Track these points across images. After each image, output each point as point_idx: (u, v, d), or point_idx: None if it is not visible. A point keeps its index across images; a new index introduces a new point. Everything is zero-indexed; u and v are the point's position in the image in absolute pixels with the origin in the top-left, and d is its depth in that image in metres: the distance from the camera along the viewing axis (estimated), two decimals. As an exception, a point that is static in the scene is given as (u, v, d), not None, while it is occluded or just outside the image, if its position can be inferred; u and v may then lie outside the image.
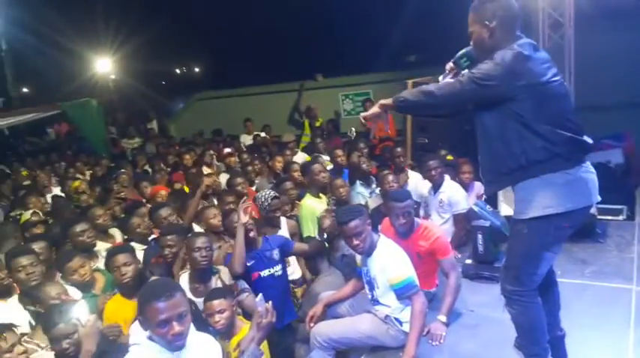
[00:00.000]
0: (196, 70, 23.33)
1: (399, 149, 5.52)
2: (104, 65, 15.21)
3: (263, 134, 8.63)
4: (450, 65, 2.61)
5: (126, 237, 4.19)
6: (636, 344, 2.90)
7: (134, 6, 11.30)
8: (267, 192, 4.01)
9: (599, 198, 2.39)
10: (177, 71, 23.28)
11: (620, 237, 4.46)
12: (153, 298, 1.84)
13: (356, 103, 8.81)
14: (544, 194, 2.27)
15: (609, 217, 4.93)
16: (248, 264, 3.32)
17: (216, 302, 2.68)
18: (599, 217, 4.75)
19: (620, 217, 4.96)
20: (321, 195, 4.67)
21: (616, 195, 5.32)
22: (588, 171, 2.33)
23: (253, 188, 5.67)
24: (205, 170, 6.39)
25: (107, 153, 8.58)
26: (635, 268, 3.82)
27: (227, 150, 6.90)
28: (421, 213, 4.84)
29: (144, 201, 5.22)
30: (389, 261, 2.80)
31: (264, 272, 3.44)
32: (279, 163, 6.01)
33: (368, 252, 2.88)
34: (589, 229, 4.39)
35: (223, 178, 5.89)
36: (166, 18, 11.27)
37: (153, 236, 4.11)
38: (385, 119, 2.73)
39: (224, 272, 3.22)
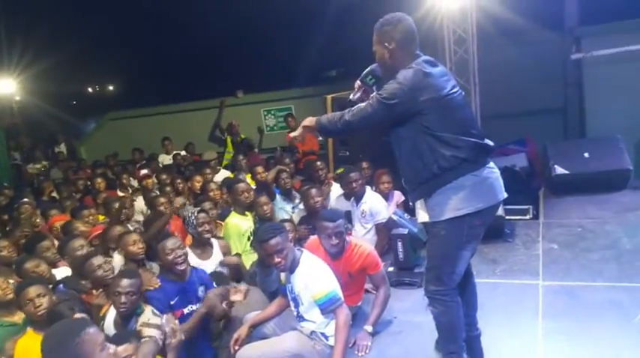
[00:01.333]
0: (110, 88, 22.33)
1: (319, 163, 5.61)
2: (6, 86, 14.13)
3: (183, 153, 8.40)
4: (357, 83, 2.74)
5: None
6: (545, 335, 3.12)
7: (43, 23, 10.59)
8: (192, 209, 3.93)
9: (505, 195, 2.59)
10: (90, 90, 22.16)
11: (526, 235, 4.80)
12: None
13: (278, 119, 8.84)
14: (456, 197, 2.44)
15: (517, 217, 5.30)
16: (172, 303, 3.11)
17: (120, 348, 2.40)
18: (507, 217, 5.09)
19: (527, 216, 5.34)
20: (247, 212, 4.62)
21: (522, 196, 5.76)
22: (492, 171, 2.53)
23: (187, 202, 5.52)
24: (120, 194, 6.11)
25: (9, 182, 7.93)
26: (541, 264, 4.12)
27: (144, 171, 6.61)
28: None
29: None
30: (311, 277, 2.82)
31: (188, 309, 3.20)
32: (197, 183, 5.88)
33: (291, 269, 2.88)
34: (498, 230, 4.69)
35: (141, 201, 5.65)
36: (78, 36, 10.69)
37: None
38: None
39: (148, 311, 2.91)
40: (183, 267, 3.18)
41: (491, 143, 2.55)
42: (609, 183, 5.52)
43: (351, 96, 2.76)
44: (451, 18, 5.57)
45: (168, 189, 5.99)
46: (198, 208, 3.98)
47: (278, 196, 5.21)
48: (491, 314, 3.20)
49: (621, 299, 3.37)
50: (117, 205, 4.74)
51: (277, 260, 2.81)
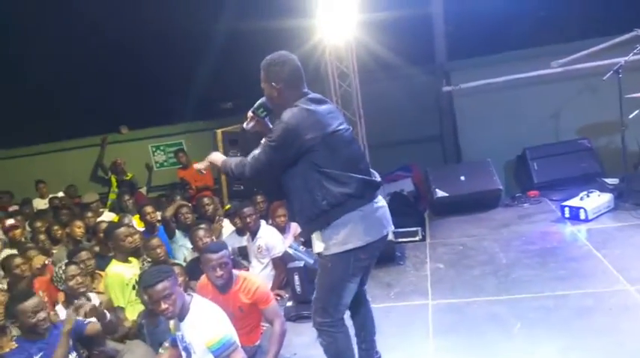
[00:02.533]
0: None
1: (206, 199, 5.47)
2: None
3: (60, 194, 7.70)
4: (250, 114, 2.78)
5: None
6: (436, 353, 3.27)
7: None
8: (63, 263, 3.60)
9: (392, 228, 2.73)
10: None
11: (415, 257, 5.05)
12: None
13: (168, 154, 8.52)
14: (343, 232, 2.51)
15: (408, 239, 5.57)
16: None
17: None
18: (399, 240, 5.35)
19: (417, 238, 5.64)
20: (130, 259, 4.30)
21: (411, 219, 6.08)
22: (379, 206, 2.64)
23: (49, 260, 4.99)
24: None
25: None
26: (429, 284, 4.35)
27: (9, 221, 5.91)
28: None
29: None
30: (203, 322, 2.68)
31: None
32: (78, 228, 5.39)
33: (180, 316, 2.71)
34: (390, 254, 4.88)
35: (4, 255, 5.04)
36: None
37: None
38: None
39: None
40: (44, 328, 2.90)
41: (378, 178, 2.69)
42: (484, 203, 6.04)
43: (244, 125, 2.82)
44: (334, 54, 5.82)
45: (42, 237, 5.44)
46: (65, 261, 3.63)
47: (178, 233, 4.98)
48: (388, 337, 3.29)
49: (501, 312, 3.65)
50: None
51: (164, 306, 2.63)
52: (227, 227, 5.21)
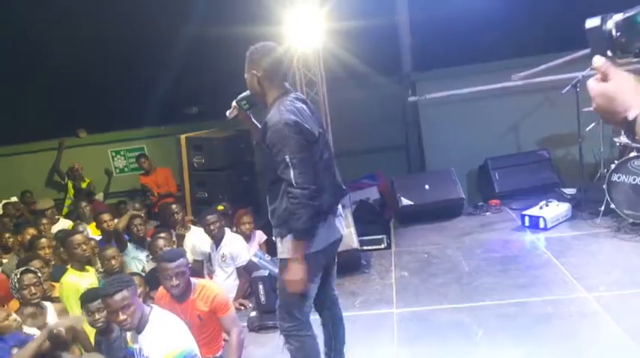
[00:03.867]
0: None
1: (174, 206, 5.32)
2: None
3: (14, 199, 7.34)
4: (233, 103, 2.73)
5: None
6: (400, 362, 3.26)
7: None
8: (17, 271, 3.42)
9: (344, 232, 2.74)
10: None
11: (380, 265, 5.05)
12: None
13: (129, 159, 8.25)
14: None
15: (373, 247, 5.57)
16: None
17: None
18: (364, 248, 5.35)
19: (382, 246, 5.64)
20: (87, 267, 4.12)
21: (376, 227, 6.10)
22: (337, 213, 2.66)
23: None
24: None
25: None
26: (394, 292, 4.34)
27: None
28: (205, 270, 4.71)
29: None
30: (163, 335, 2.57)
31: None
32: (29, 235, 5.13)
33: (139, 328, 2.59)
34: (355, 262, 4.86)
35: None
36: None
37: None
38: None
39: None
40: None
41: (342, 185, 2.70)
42: (447, 211, 6.12)
43: (227, 113, 2.75)
44: (302, 61, 5.80)
45: (-8, 245, 5.16)
46: (22, 268, 3.45)
47: (130, 245, 4.79)
48: (353, 346, 3.25)
49: (464, 319, 3.67)
50: None
51: (123, 317, 2.51)
52: (194, 235, 5.04)
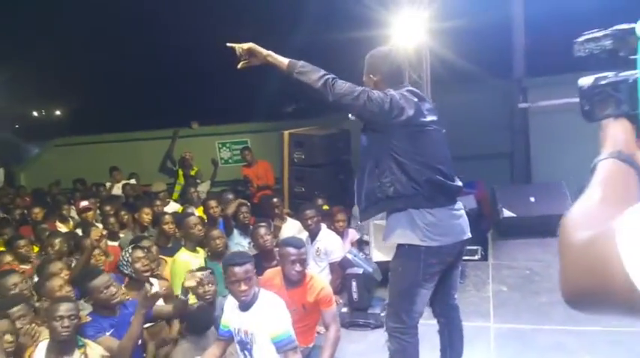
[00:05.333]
0: (57, 113, 21.42)
1: (276, 199, 5.53)
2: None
3: (133, 181, 8.06)
4: None
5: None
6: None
7: None
8: (129, 248, 3.74)
9: (469, 235, 2.64)
10: (35, 114, 21.16)
11: (476, 276, 4.86)
12: None
13: (233, 151, 8.73)
14: (407, 227, 2.49)
15: (466, 257, 5.38)
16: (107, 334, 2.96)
17: None
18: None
19: (476, 257, 5.43)
20: (198, 248, 4.42)
21: (471, 237, 5.88)
22: (456, 213, 2.57)
23: (116, 243, 5.22)
24: (59, 226, 5.74)
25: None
26: (492, 306, 4.16)
27: (84, 203, 6.23)
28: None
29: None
30: (271, 313, 2.69)
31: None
32: (146, 215, 5.54)
33: (247, 305, 2.74)
34: (451, 271, 4.72)
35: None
36: (27, 53, 10.18)
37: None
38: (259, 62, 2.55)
39: (91, 348, 2.78)
40: (115, 304, 3.04)
41: (459, 183, 2.62)
42: (554, 227, 5.69)
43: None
44: (408, 61, 5.74)
45: (112, 220, 5.68)
46: (133, 245, 3.78)
47: (235, 231, 5.05)
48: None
49: (569, 343, 3.42)
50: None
51: (244, 288, 2.65)
52: (289, 227, 5.23)
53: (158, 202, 6.30)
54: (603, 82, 0.86)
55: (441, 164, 2.53)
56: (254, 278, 2.71)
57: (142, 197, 7.27)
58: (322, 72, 2.42)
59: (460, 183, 2.64)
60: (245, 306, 2.72)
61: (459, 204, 2.62)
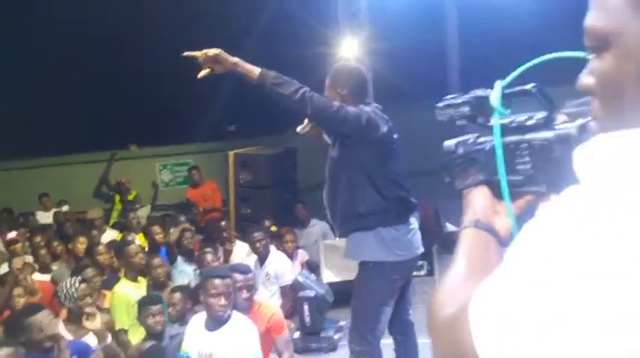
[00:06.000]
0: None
1: (224, 223, 5.40)
2: None
3: (65, 208, 7.58)
4: (306, 120, 2.74)
5: None
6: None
7: None
8: (72, 279, 3.49)
9: (422, 249, 2.72)
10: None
11: (424, 293, 4.91)
12: None
13: (175, 174, 8.46)
14: (376, 244, 2.51)
15: (413, 273, 5.45)
16: None
17: None
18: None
19: (422, 272, 5.52)
20: (139, 278, 4.19)
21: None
22: (412, 229, 2.63)
23: (47, 277, 4.87)
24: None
25: None
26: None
27: (11, 235, 5.81)
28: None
29: None
30: (244, 337, 2.61)
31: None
32: (81, 244, 5.24)
33: (218, 323, 2.62)
34: (400, 288, 4.76)
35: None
36: None
37: None
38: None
39: None
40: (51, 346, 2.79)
41: (413, 200, 2.67)
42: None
43: (298, 129, 2.69)
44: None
45: (42, 252, 5.30)
46: (79, 277, 3.53)
47: (179, 258, 4.85)
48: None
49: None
50: None
51: (224, 302, 2.59)
52: (238, 250, 5.10)
53: (94, 231, 5.97)
54: (461, 152, 0.89)
55: (404, 180, 2.61)
56: (232, 295, 2.64)
57: (75, 225, 6.86)
58: (297, 84, 2.35)
59: (415, 200, 2.70)
60: (216, 324, 2.62)
61: (413, 219, 2.67)
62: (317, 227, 5.97)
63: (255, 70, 2.31)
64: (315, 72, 3.54)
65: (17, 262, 4.27)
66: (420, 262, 5.62)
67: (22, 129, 8.10)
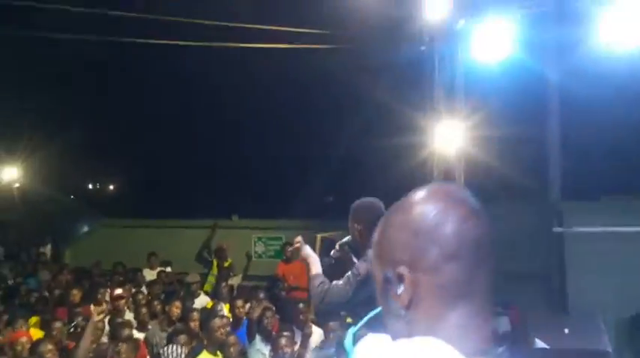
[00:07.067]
0: (111, 187, 22.43)
1: (301, 305, 5.47)
2: (9, 172, 13.76)
3: (168, 269, 8.27)
4: (336, 246, 2.99)
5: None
6: None
7: (53, 107, 10.80)
8: (174, 346, 3.81)
9: None
10: (90, 186, 22.22)
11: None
12: None
13: (268, 247, 8.94)
14: None
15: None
16: None
17: None
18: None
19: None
20: (218, 353, 4.44)
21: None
22: None
23: (142, 335, 5.31)
24: (94, 309, 5.92)
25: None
26: None
27: (118, 291, 6.43)
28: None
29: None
30: None
31: None
32: (176, 308, 5.62)
33: None
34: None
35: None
36: (90, 125, 10.94)
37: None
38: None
39: None
40: None
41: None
42: (588, 363, 5.42)
43: (331, 253, 2.97)
44: (442, 166, 5.85)
45: (143, 310, 5.79)
46: (180, 344, 3.86)
47: (257, 337, 4.99)
48: None
49: None
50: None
51: None
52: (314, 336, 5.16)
53: (189, 296, 6.41)
54: None
55: None
56: None
57: (174, 286, 7.42)
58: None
59: None
60: None
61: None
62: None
63: (315, 270, 2.76)
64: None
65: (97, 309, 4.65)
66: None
67: (143, 190, 9.17)
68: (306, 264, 2.89)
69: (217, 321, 4.44)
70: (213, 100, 9.28)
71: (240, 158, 8.92)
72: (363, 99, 8.00)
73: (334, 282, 2.68)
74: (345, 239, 2.94)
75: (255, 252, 8.99)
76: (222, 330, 4.40)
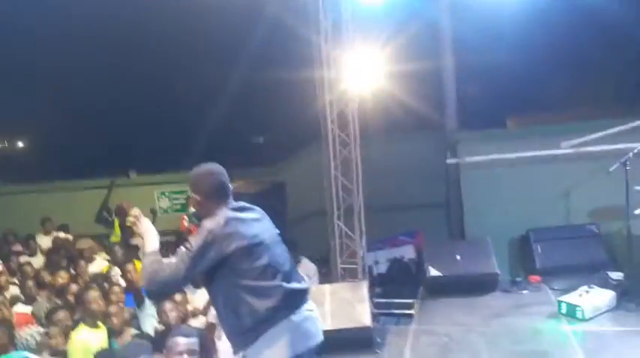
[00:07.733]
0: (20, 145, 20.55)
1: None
2: None
3: (62, 234, 7.78)
4: (185, 218, 2.76)
5: None
6: None
7: None
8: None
9: (321, 338, 2.60)
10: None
11: (396, 345, 4.77)
12: None
13: (173, 201, 8.59)
14: (274, 346, 2.43)
15: (403, 311, 5.38)
16: None
17: None
18: (394, 311, 5.33)
19: (412, 311, 5.40)
20: (99, 323, 4.21)
21: (408, 290, 5.88)
22: (308, 316, 2.55)
23: (29, 309, 4.99)
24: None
25: None
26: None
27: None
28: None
29: None
30: None
31: None
32: (62, 279, 5.31)
33: None
34: (366, 341, 4.61)
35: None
36: None
37: None
38: None
39: None
40: None
41: (300, 286, 2.58)
42: (479, 286, 5.73)
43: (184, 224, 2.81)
44: (336, 123, 5.76)
45: (29, 283, 5.42)
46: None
47: (147, 301, 4.83)
48: None
49: None
50: None
51: None
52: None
53: (82, 262, 6.07)
54: None
55: (282, 267, 2.52)
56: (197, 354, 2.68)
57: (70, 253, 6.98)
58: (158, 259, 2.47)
59: (304, 284, 2.62)
60: None
61: (311, 304, 2.60)
62: (303, 267, 5.93)
63: (149, 247, 2.52)
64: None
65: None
66: (411, 300, 5.54)
67: (28, 154, 8.38)
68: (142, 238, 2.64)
69: (91, 293, 4.16)
70: (102, 48, 8.39)
71: (134, 109, 8.25)
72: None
73: (165, 260, 2.48)
74: (191, 210, 2.79)
75: (160, 208, 8.62)
76: (99, 302, 4.14)
